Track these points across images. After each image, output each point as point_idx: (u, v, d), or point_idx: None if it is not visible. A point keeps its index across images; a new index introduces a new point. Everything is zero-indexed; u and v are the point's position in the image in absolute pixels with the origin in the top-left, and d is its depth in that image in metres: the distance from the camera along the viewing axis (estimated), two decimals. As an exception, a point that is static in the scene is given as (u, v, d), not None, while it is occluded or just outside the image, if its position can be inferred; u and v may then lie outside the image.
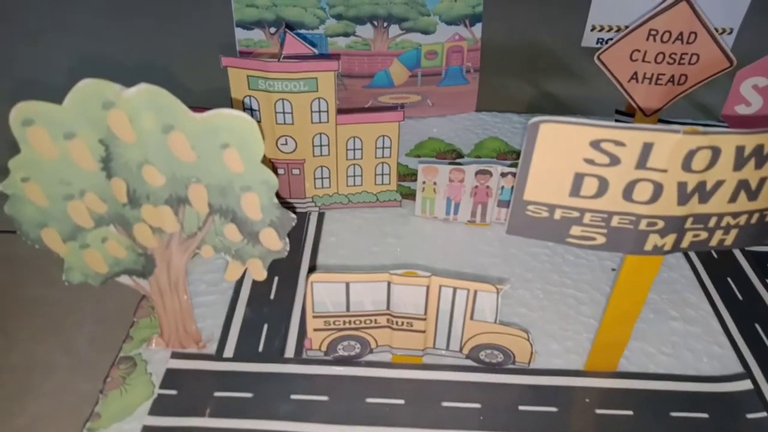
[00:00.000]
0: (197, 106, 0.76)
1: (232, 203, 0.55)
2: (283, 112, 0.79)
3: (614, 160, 0.49)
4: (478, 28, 1.04)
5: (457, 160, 0.99)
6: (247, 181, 0.54)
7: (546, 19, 1.48)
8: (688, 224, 0.53)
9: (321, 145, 0.83)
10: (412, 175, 0.93)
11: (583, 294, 0.75)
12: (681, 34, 0.83)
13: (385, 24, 1.01)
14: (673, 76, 0.87)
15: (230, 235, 0.57)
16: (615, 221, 0.53)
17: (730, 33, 0.95)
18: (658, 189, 0.50)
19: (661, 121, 1.03)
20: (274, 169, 0.84)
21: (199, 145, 0.52)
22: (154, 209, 0.55)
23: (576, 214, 0.53)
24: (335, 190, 0.87)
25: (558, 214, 0.53)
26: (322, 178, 0.86)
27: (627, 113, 1.07)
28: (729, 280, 0.79)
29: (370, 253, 0.80)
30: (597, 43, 0.97)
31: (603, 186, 0.51)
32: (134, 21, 1.45)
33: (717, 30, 0.92)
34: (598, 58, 0.87)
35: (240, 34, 1.00)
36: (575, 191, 0.51)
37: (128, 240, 0.58)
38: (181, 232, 0.57)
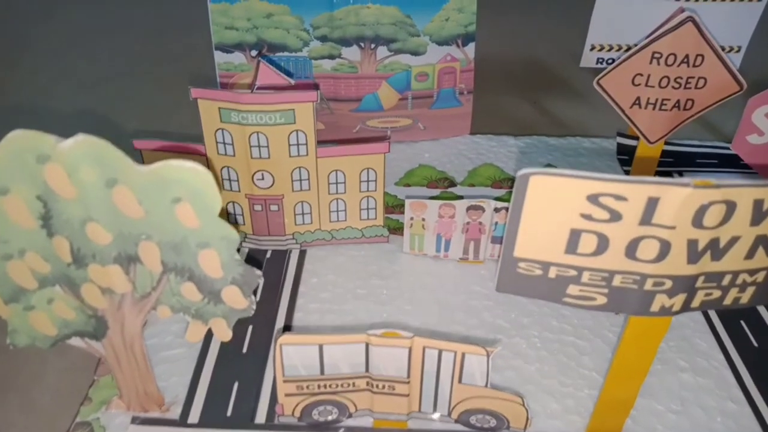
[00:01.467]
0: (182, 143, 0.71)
1: (188, 261, 0.49)
2: (259, 146, 0.73)
3: (615, 216, 0.43)
4: (470, 48, 0.99)
5: (449, 189, 0.93)
6: (203, 237, 0.48)
7: (543, 36, 1.42)
8: (699, 283, 0.47)
9: (301, 180, 0.77)
10: (402, 206, 0.87)
11: (584, 342, 0.69)
12: (687, 56, 0.77)
13: (373, 45, 0.96)
14: (678, 101, 0.81)
15: (188, 294, 0.52)
16: (617, 280, 0.47)
17: (738, 51, 0.89)
18: (665, 247, 0.44)
19: (668, 144, 0.98)
20: (251, 205, 0.79)
21: (147, 199, 0.46)
22: (101, 269, 0.49)
23: (573, 272, 0.47)
24: (317, 226, 0.81)
25: (553, 273, 0.47)
26: (302, 213, 0.80)
27: (631, 136, 1.01)
28: (742, 323, 0.73)
29: (355, 296, 0.74)
30: (597, 63, 0.91)
31: (603, 243, 0.45)
32: (101, 52, 1.37)
33: (724, 48, 0.86)
34: (598, 83, 0.81)
35: (219, 57, 0.95)
36: (571, 248, 0.46)
37: (76, 301, 0.52)
38: (133, 292, 0.52)
